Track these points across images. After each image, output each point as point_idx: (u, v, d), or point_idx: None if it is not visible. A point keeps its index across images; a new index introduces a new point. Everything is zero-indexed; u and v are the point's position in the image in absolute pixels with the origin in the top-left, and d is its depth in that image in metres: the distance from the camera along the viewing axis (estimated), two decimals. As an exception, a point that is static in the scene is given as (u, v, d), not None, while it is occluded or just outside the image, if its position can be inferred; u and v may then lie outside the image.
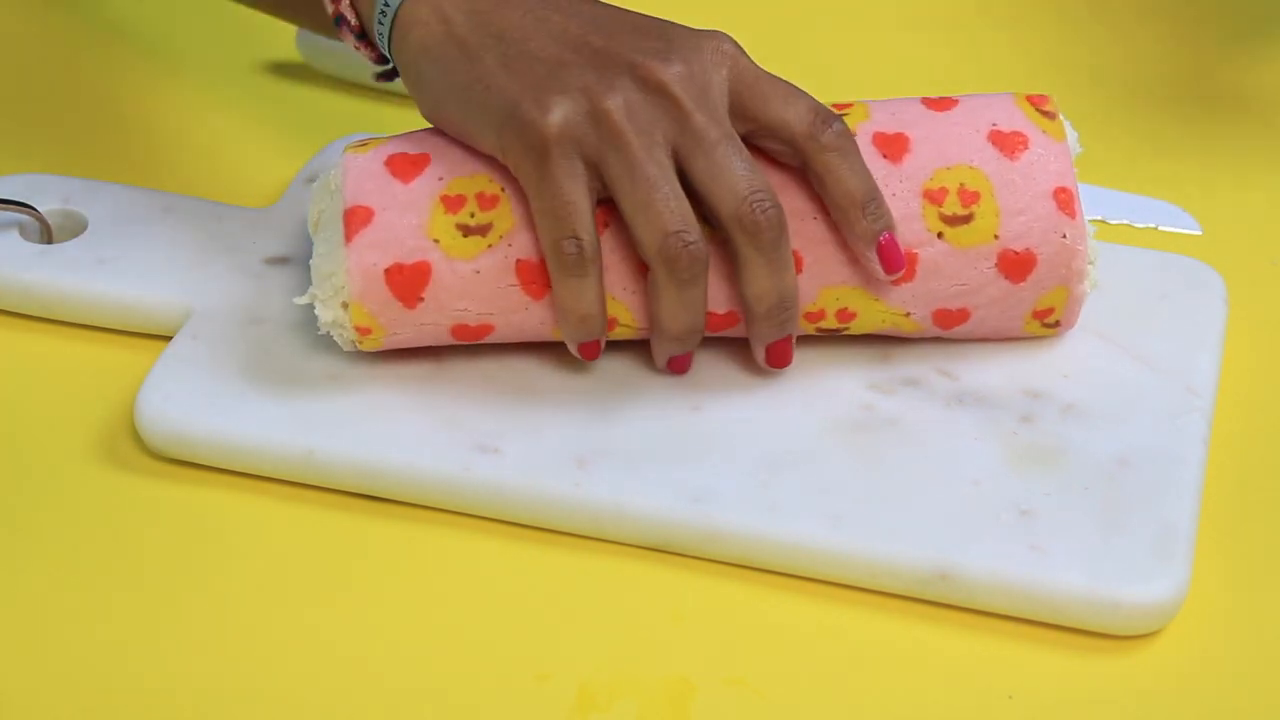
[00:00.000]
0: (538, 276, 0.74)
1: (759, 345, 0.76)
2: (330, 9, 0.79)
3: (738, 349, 0.78)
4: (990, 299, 0.76)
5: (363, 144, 0.77)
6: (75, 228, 0.84)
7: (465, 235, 0.74)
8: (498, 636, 0.70)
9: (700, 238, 0.73)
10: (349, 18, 0.79)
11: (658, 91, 0.74)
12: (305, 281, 0.81)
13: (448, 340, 0.76)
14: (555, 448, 0.74)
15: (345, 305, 0.75)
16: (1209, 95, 0.96)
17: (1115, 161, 0.91)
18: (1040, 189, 0.75)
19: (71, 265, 0.82)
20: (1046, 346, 0.79)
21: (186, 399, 0.76)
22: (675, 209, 0.73)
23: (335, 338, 0.76)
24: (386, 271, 0.74)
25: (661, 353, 0.76)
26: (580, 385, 0.77)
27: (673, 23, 0.77)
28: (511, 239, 0.74)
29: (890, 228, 0.74)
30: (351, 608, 0.71)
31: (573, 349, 0.76)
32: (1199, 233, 0.88)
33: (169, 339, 0.80)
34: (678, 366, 0.77)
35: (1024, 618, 0.70)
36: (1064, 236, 0.75)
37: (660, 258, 0.73)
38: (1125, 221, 0.88)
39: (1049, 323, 0.77)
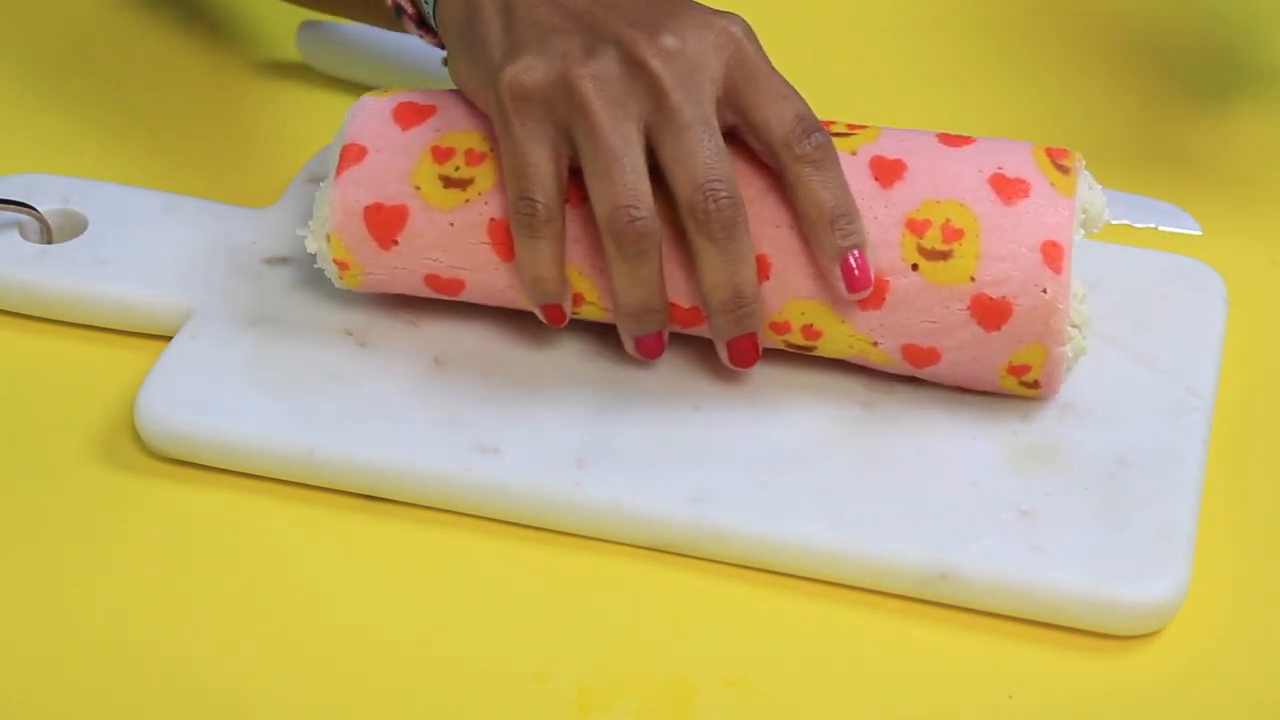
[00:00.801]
0: (509, 238, 0.75)
1: (720, 342, 0.75)
2: (389, 1, 0.81)
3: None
4: (961, 343, 0.73)
5: (386, 90, 0.79)
6: (75, 228, 0.84)
7: (446, 186, 0.75)
8: (498, 636, 0.70)
9: (650, 214, 0.72)
10: (406, 7, 0.81)
11: (638, 65, 0.73)
12: (306, 281, 0.81)
13: (423, 290, 0.77)
14: (555, 448, 0.74)
15: (328, 238, 0.76)
16: (1210, 95, 0.96)
17: (1115, 161, 0.91)
18: (1029, 239, 0.73)
19: (71, 265, 0.82)
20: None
21: (186, 399, 0.76)
22: (630, 183, 0.72)
23: (325, 271, 0.78)
24: (366, 209, 0.76)
25: (624, 332, 0.76)
26: (580, 385, 0.77)
27: (694, 2, 0.76)
28: (489, 197, 0.75)
29: (860, 246, 0.73)
30: (351, 608, 0.71)
31: (536, 312, 0.76)
32: (1199, 233, 0.88)
33: (169, 339, 0.80)
34: (645, 350, 0.76)
35: (1024, 618, 0.70)
36: (1044, 291, 0.72)
37: (608, 230, 0.73)
38: (1125, 222, 0.88)
39: (1026, 381, 0.74)
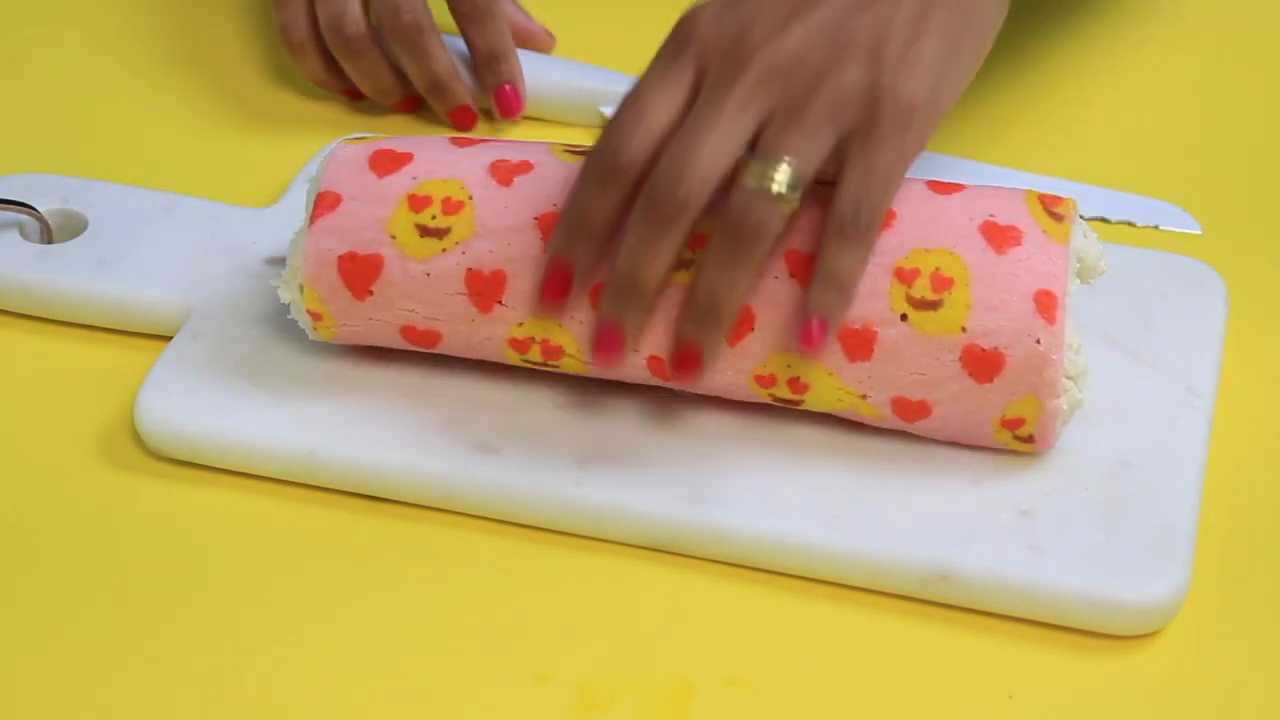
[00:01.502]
0: (486, 289, 0.73)
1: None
2: None
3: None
4: (953, 395, 0.72)
5: (361, 139, 0.78)
6: (75, 228, 0.84)
7: (422, 236, 0.74)
8: (498, 636, 0.70)
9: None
10: None
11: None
12: (305, 281, 0.81)
13: (399, 342, 0.76)
14: (555, 448, 0.74)
15: (300, 288, 0.75)
16: (1211, 96, 0.96)
17: (1115, 161, 0.91)
18: (1021, 288, 0.71)
19: (71, 265, 0.82)
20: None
21: (186, 399, 0.76)
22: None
23: (299, 323, 0.77)
24: (340, 259, 0.74)
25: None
26: (581, 385, 0.77)
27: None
28: (466, 247, 0.74)
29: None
30: (351, 608, 0.71)
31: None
32: (1199, 232, 0.88)
33: (169, 339, 0.80)
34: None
35: (1024, 618, 0.70)
36: (1038, 342, 0.70)
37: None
38: (1125, 220, 0.88)
39: (1021, 435, 0.72)
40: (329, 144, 0.88)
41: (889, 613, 0.71)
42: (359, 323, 0.76)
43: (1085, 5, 1.00)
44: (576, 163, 0.74)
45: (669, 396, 0.76)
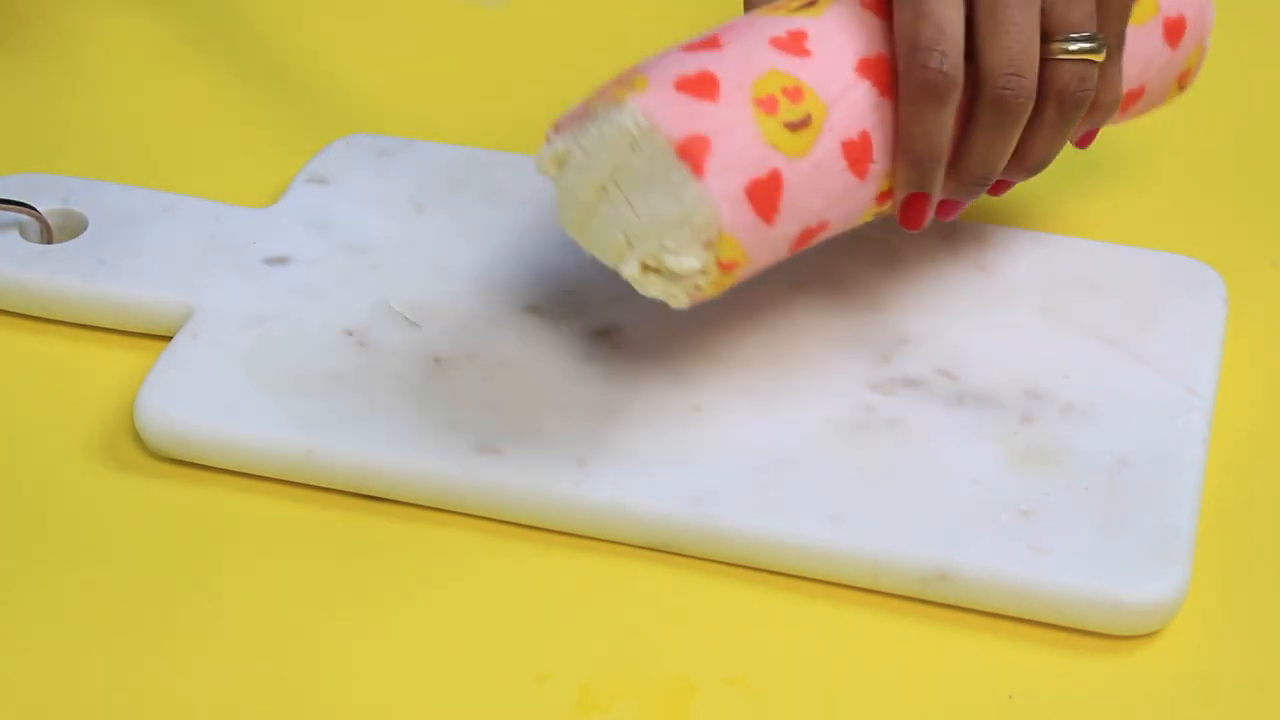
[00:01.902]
0: (861, 154, 0.72)
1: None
2: None
3: (738, 349, 0.78)
4: (1157, 69, 0.80)
5: (621, 84, 0.71)
6: (75, 228, 0.84)
7: (795, 132, 0.71)
8: (498, 636, 0.70)
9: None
10: None
11: None
12: (306, 281, 0.81)
13: (784, 255, 0.73)
14: (555, 448, 0.74)
15: (709, 243, 0.70)
16: (1210, 96, 0.96)
17: (1116, 162, 0.91)
18: None
19: (71, 265, 0.82)
20: (1047, 346, 0.79)
21: (186, 399, 0.76)
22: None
23: (673, 295, 0.71)
24: (747, 191, 0.70)
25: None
26: (580, 385, 0.77)
27: None
28: (829, 124, 0.72)
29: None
30: (351, 608, 0.71)
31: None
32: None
33: (169, 339, 0.80)
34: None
35: (1024, 618, 0.70)
36: None
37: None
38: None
39: (1183, 86, 0.82)
40: (330, 143, 0.89)
41: (889, 613, 0.71)
42: (764, 250, 0.72)
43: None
44: (829, 7, 0.74)
45: (669, 397, 0.76)
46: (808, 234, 0.73)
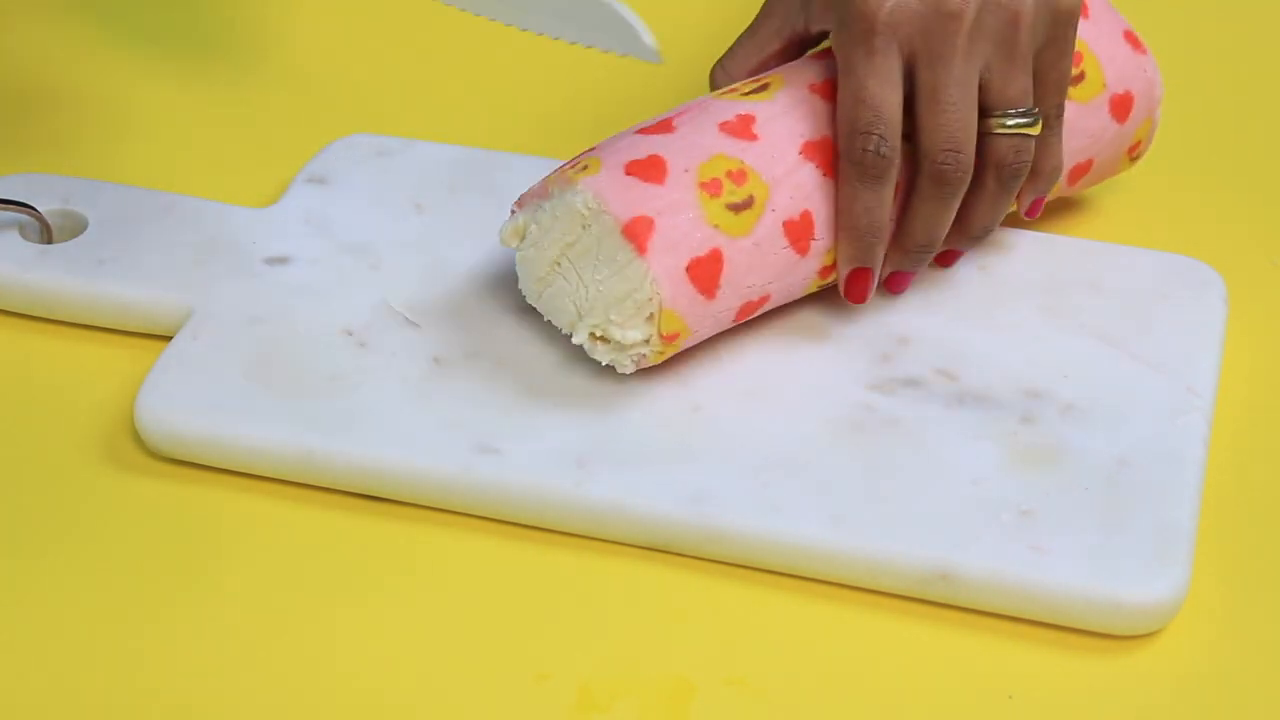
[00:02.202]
0: (802, 232, 0.76)
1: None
2: None
3: (738, 349, 0.78)
4: (1106, 142, 0.83)
5: (575, 168, 0.76)
6: (75, 228, 0.84)
7: (737, 213, 0.75)
8: (498, 636, 0.70)
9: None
10: None
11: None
12: (306, 281, 0.81)
13: (728, 325, 0.77)
14: (555, 448, 0.74)
15: (651, 317, 0.74)
16: (1210, 96, 0.96)
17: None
18: (1113, 33, 0.83)
19: (71, 265, 0.82)
20: (1046, 346, 0.79)
21: (186, 399, 0.76)
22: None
23: (619, 362, 0.75)
24: (687, 269, 0.74)
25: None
26: (580, 385, 0.77)
27: None
28: (772, 204, 0.76)
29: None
30: (351, 608, 0.71)
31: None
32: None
33: (169, 339, 0.80)
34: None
35: (1024, 618, 0.70)
36: (1145, 71, 0.83)
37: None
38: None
39: (1134, 156, 0.85)
40: (330, 143, 0.88)
41: (889, 613, 0.71)
42: (705, 323, 0.76)
43: None
44: (778, 92, 0.78)
45: (669, 397, 0.76)
46: (748, 306, 0.77)
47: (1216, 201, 0.89)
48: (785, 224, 0.76)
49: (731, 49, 0.83)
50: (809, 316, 0.80)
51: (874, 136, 0.75)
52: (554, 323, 0.77)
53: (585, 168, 0.75)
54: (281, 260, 0.82)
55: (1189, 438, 0.75)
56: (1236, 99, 0.96)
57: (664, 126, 0.77)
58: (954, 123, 0.76)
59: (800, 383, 0.77)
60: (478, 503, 0.74)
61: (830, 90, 0.78)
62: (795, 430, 0.75)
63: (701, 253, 0.74)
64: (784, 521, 0.72)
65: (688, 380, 0.77)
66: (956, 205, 0.78)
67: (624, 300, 0.74)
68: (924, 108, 0.76)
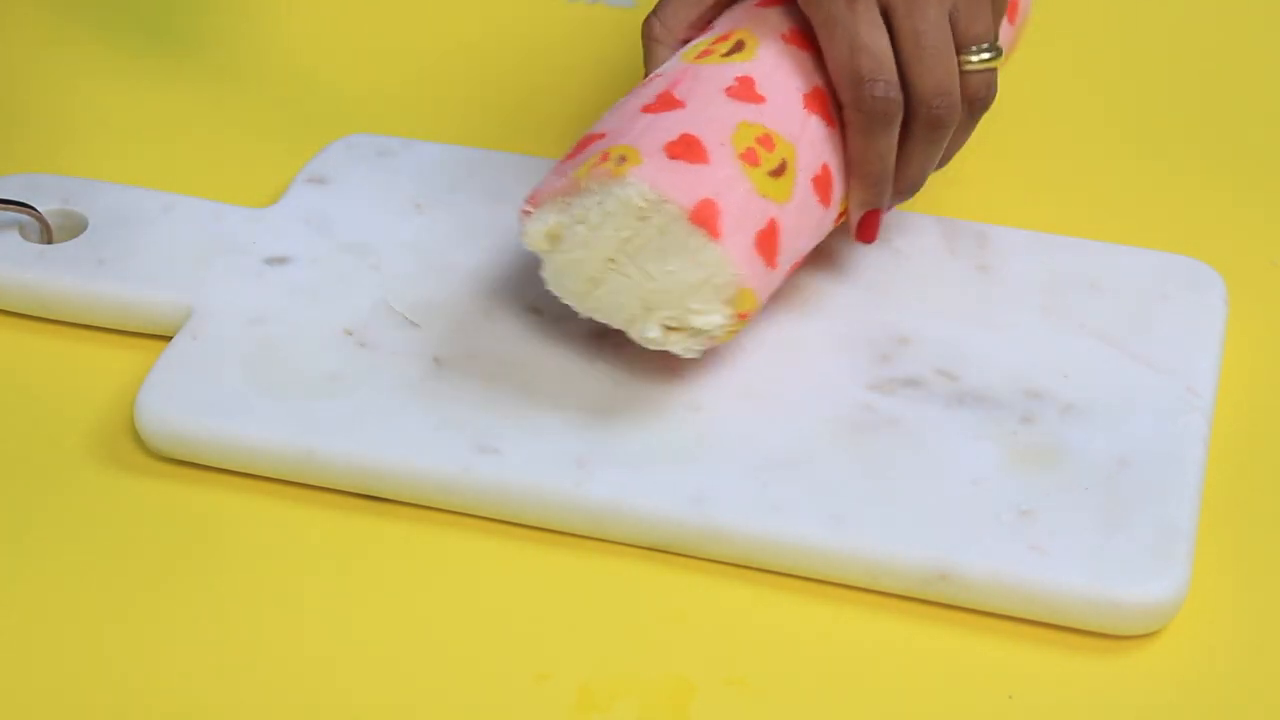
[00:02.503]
0: (826, 184, 0.77)
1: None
2: None
3: (738, 349, 0.78)
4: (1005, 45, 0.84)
5: (609, 160, 0.74)
6: (75, 228, 0.84)
7: (776, 179, 0.75)
8: (498, 636, 0.70)
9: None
10: None
11: None
12: (306, 281, 0.81)
13: (775, 289, 0.78)
14: (555, 448, 0.74)
15: (730, 299, 0.74)
16: (1210, 96, 0.96)
17: (1114, 162, 0.91)
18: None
19: (71, 265, 0.82)
20: (1046, 346, 0.79)
21: (186, 399, 0.76)
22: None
23: (692, 349, 0.74)
24: (755, 244, 0.74)
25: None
26: (580, 385, 0.77)
27: None
28: (800, 164, 0.76)
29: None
30: (351, 608, 0.71)
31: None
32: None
33: (169, 339, 0.80)
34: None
35: (1024, 618, 0.70)
36: None
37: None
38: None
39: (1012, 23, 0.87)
40: (330, 143, 0.88)
41: (889, 613, 0.71)
42: (767, 293, 0.76)
43: None
44: (758, 48, 0.77)
45: (669, 397, 0.76)
46: (794, 268, 0.78)
47: (1216, 201, 0.89)
48: (814, 181, 0.76)
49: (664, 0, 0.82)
50: (809, 316, 0.80)
51: (880, 83, 0.76)
52: (604, 321, 0.75)
53: (623, 159, 0.73)
54: (281, 260, 0.82)
55: (1189, 438, 0.75)
56: (1237, 99, 0.96)
57: (668, 101, 0.76)
58: (941, 68, 0.77)
59: (800, 383, 0.77)
60: (478, 503, 0.74)
61: (802, 40, 0.78)
62: (795, 430, 0.75)
63: (762, 225, 0.74)
64: (784, 521, 0.72)
65: (688, 380, 0.77)
66: (946, 142, 0.79)
67: (701, 286, 0.73)
68: (909, 55, 0.77)
